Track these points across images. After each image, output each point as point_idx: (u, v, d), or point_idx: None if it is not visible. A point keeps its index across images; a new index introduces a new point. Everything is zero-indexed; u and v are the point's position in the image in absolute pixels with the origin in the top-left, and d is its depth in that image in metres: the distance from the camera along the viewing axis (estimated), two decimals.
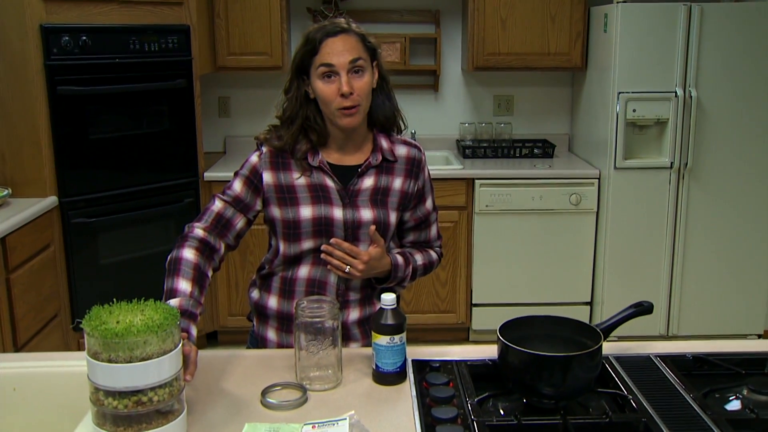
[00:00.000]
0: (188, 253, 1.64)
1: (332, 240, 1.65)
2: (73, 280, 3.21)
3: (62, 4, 3.05)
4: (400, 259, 1.77)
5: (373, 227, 1.67)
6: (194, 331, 1.52)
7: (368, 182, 1.74)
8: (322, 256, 1.66)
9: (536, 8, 3.90)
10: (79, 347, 3.27)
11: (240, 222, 1.74)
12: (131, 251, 3.40)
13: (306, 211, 1.70)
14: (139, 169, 3.41)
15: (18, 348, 2.78)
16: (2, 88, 3.02)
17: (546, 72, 4.21)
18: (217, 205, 1.73)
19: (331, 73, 1.64)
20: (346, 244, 1.64)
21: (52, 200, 3.10)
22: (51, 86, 3.04)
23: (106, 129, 3.26)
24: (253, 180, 1.73)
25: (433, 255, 1.90)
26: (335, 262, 1.65)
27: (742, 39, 3.55)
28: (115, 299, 1.29)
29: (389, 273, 1.74)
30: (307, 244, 1.71)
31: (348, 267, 1.64)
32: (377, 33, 4.04)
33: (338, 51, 1.64)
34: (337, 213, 1.70)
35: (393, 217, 1.76)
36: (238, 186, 1.74)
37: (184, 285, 1.58)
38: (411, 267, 1.80)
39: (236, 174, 1.76)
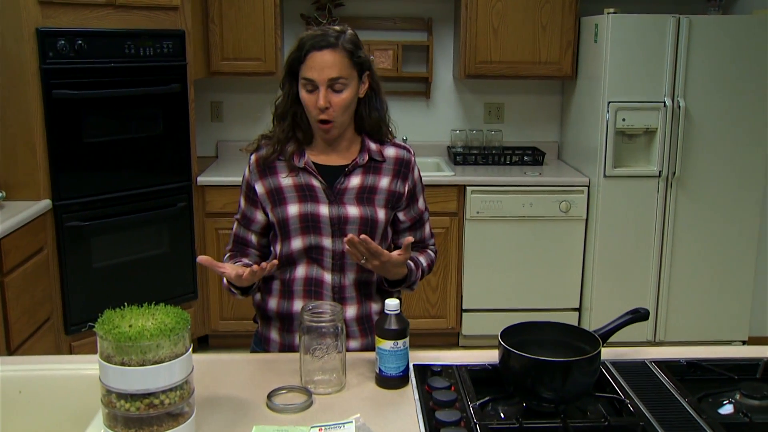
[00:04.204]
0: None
1: (361, 237, 1.62)
2: (66, 284, 3.21)
3: (58, 8, 3.06)
4: (412, 265, 1.81)
5: (409, 239, 1.70)
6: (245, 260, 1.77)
7: (355, 181, 1.79)
8: (345, 242, 1.64)
9: (528, 18, 3.95)
10: (71, 351, 3.28)
11: (252, 236, 1.86)
12: (124, 255, 3.41)
13: (293, 209, 1.76)
14: (132, 173, 3.42)
15: (11, 351, 2.78)
16: None
17: (536, 80, 4.26)
18: (234, 227, 1.89)
19: (311, 85, 1.70)
20: (373, 245, 1.63)
21: (45, 203, 3.10)
22: (46, 90, 3.05)
23: (100, 133, 3.27)
24: (249, 194, 1.84)
25: (432, 254, 1.96)
26: (355, 252, 1.65)
27: (730, 50, 3.62)
28: (125, 304, 1.31)
29: (402, 278, 1.77)
30: (298, 243, 1.76)
31: (364, 259, 1.66)
32: (370, 40, 4.09)
33: (320, 67, 1.69)
34: (323, 210, 1.75)
35: (381, 214, 1.79)
36: (242, 204, 1.86)
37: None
38: (420, 271, 1.85)
39: (240, 193, 1.87)
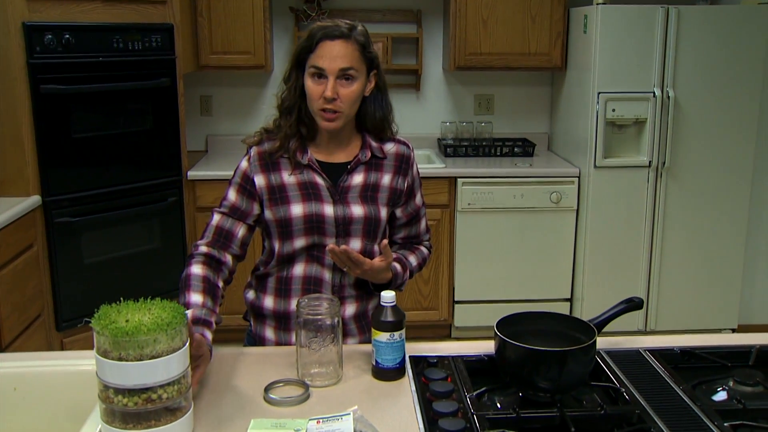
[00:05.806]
0: (196, 269, 1.68)
1: (342, 247, 1.62)
2: (57, 280, 3.19)
3: (45, 2, 3.03)
4: (398, 267, 1.80)
5: (385, 241, 1.69)
6: (209, 335, 1.54)
7: (358, 179, 1.77)
8: (327, 251, 1.65)
9: (517, 9, 3.95)
10: (63, 347, 3.26)
11: (240, 230, 1.77)
12: (115, 250, 3.39)
13: (297, 209, 1.72)
14: (122, 168, 3.39)
15: (2, 349, 2.76)
16: None
17: (526, 72, 4.26)
18: (216, 218, 1.78)
19: (320, 75, 1.67)
20: (354, 254, 1.63)
21: (35, 199, 3.08)
22: (34, 85, 3.02)
23: (89, 128, 3.24)
24: (246, 186, 1.76)
25: (425, 251, 1.95)
26: (338, 260, 1.66)
27: (718, 40, 3.64)
28: (121, 299, 1.30)
29: (388, 281, 1.76)
30: (300, 242, 1.74)
31: (346, 267, 1.67)
32: None
33: (331, 56, 1.65)
34: (328, 210, 1.73)
35: (383, 212, 1.79)
36: (232, 195, 1.78)
37: (195, 297, 1.61)
38: (408, 271, 1.84)
39: (230, 183, 1.79)
